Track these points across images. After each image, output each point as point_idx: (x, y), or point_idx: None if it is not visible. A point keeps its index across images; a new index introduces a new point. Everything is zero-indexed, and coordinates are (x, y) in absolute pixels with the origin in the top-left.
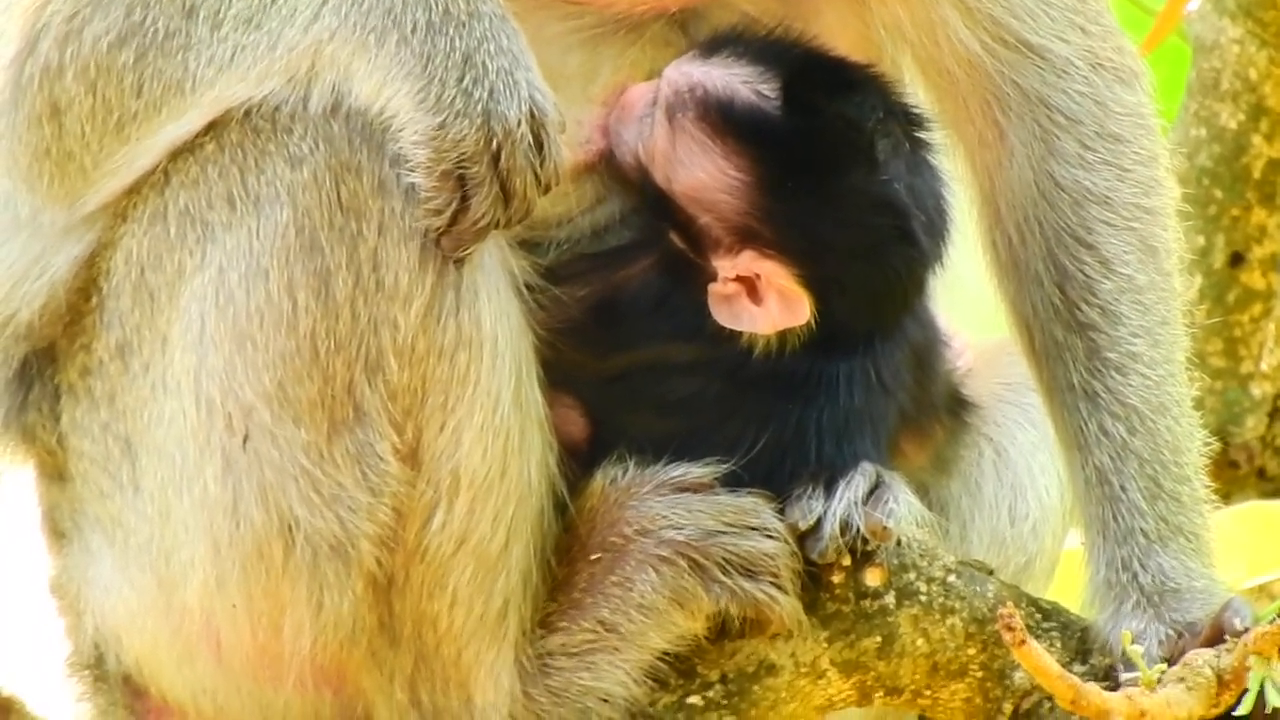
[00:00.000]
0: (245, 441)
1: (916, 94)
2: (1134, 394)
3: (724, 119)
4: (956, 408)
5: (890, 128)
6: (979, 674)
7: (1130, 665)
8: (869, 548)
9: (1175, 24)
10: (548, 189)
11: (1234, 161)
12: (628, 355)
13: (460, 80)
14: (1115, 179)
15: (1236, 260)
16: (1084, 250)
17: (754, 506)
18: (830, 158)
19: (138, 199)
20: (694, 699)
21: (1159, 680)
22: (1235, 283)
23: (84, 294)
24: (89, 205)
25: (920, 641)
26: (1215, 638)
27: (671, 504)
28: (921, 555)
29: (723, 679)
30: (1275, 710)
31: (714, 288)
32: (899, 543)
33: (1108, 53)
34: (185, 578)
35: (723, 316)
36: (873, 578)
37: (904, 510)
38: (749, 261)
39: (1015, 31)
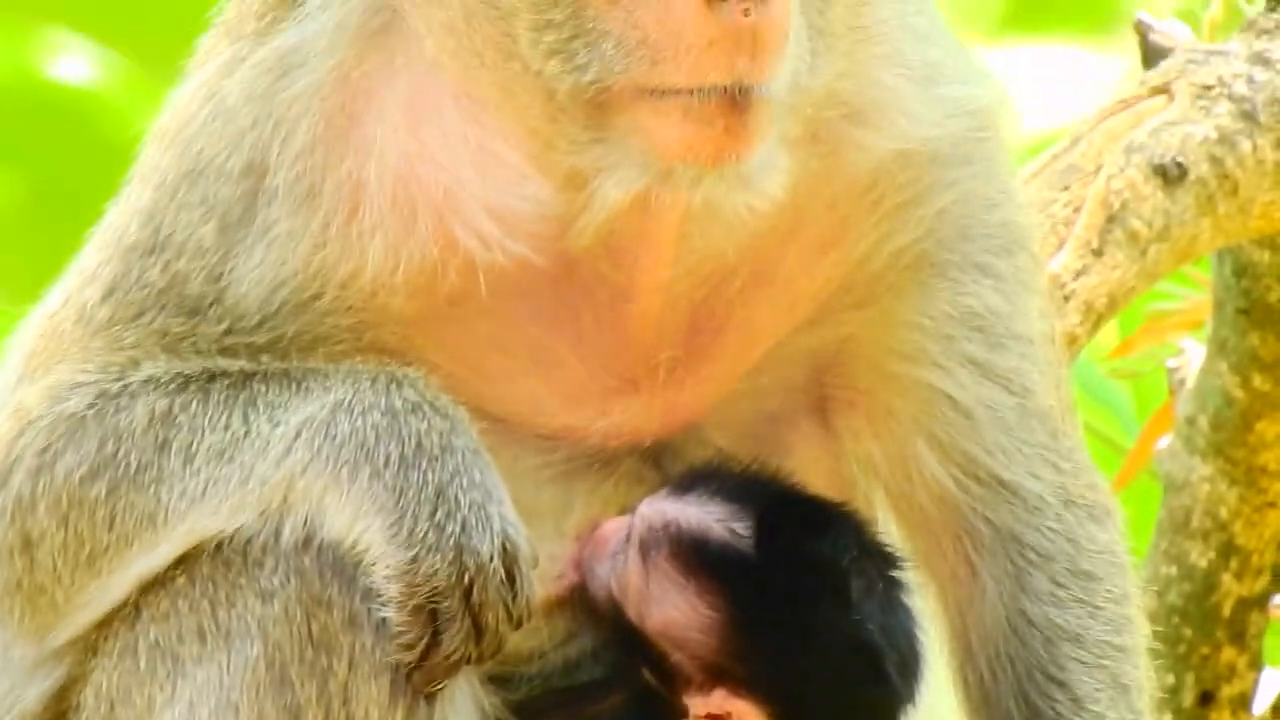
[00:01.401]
0: None
1: (888, 529)
2: None
3: (697, 557)
4: None
5: (864, 567)
6: None
7: None
8: None
9: (1146, 462)
10: (520, 624)
11: (1204, 600)
12: None
13: (433, 515)
14: (1087, 616)
15: (1206, 699)
16: (1055, 687)
17: None
18: (804, 597)
19: (108, 632)
20: None
21: None
22: None
23: None
24: (59, 639)
25: None
26: None
27: None
28: None
29: None
30: None
31: None
32: None
33: (1080, 489)
34: None
35: None
36: None
37: None
38: (721, 700)
39: (988, 468)
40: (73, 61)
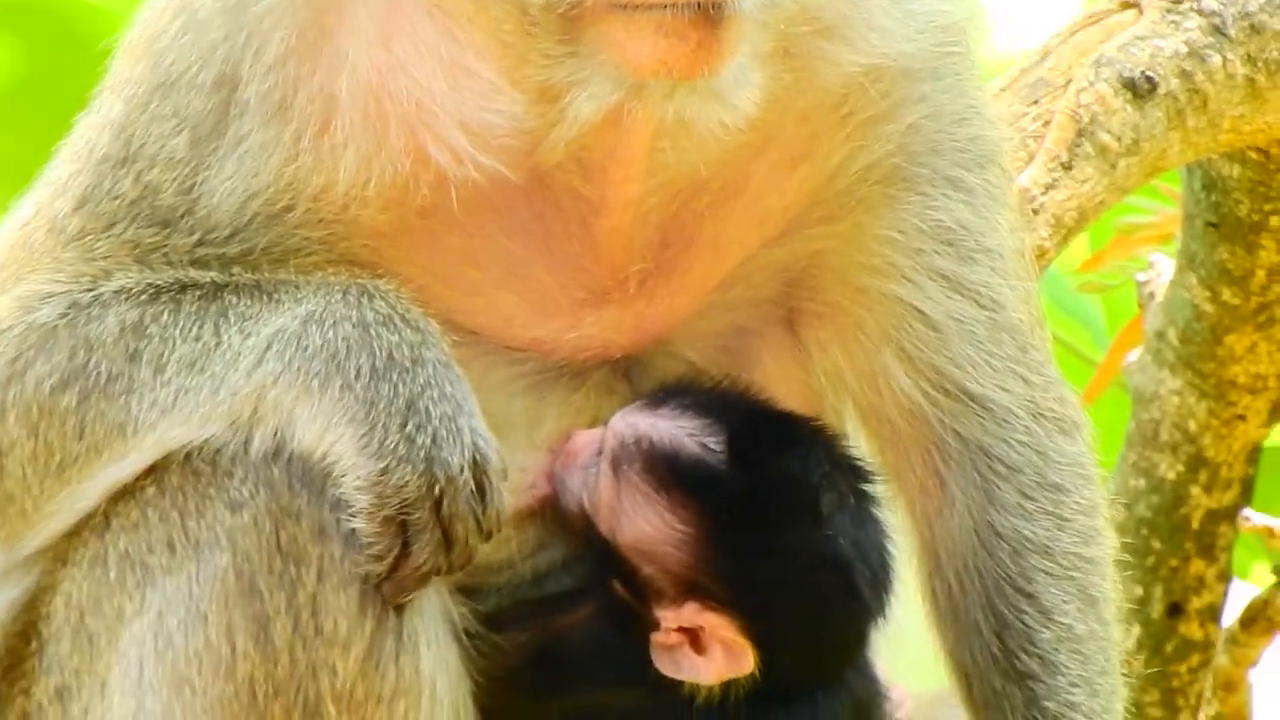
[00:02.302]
0: None
1: (858, 442)
2: None
3: (669, 472)
4: None
5: (836, 482)
6: None
7: None
8: None
9: (1115, 374)
10: (489, 536)
11: (1173, 512)
12: (568, 701)
13: (403, 426)
14: (1055, 528)
15: (1175, 611)
16: (1023, 599)
17: None
18: (776, 512)
19: (78, 542)
20: None
21: None
22: (1173, 633)
23: (23, 637)
24: (29, 548)
25: None
26: None
27: None
28: None
29: None
30: None
31: (657, 637)
32: None
33: (1049, 402)
34: None
35: (665, 666)
36: None
37: None
38: (693, 613)
39: (956, 380)
40: None
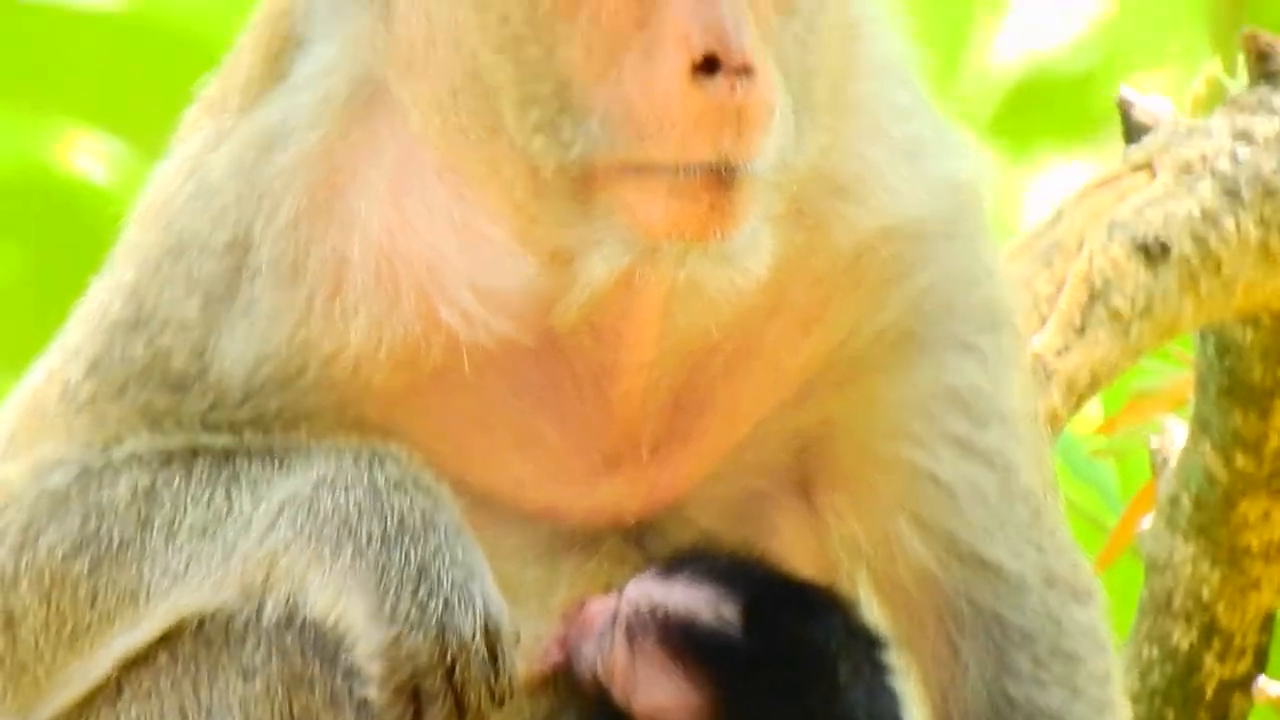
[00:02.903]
0: None
1: (871, 609)
2: None
3: (685, 642)
4: None
5: (851, 651)
6: None
7: None
8: None
9: (1129, 541)
10: (502, 702)
11: (1186, 681)
12: None
13: (415, 592)
14: (1069, 698)
15: None
16: None
17: None
18: (793, 683)
19: (90, 710)
20: None
21: None
22: None
23: None
24: (41, 717)
25: None
26: None
27: None
28: None
29: None
30: None
31: None
32: None
33: (1062, 569)
34: None
35: None
36: None
37: None
38: None
39: (970, 547)
40: (84, 154)
